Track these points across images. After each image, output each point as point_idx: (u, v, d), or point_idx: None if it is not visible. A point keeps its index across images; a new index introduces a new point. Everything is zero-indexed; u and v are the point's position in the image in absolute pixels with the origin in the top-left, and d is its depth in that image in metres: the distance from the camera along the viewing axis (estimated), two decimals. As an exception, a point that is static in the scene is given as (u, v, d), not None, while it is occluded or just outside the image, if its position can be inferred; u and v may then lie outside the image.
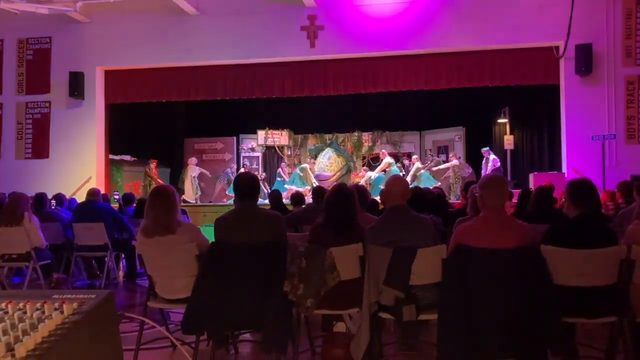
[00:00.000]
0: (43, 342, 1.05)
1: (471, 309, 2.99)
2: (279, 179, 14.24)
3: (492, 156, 12.22)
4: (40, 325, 1.09)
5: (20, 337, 1.07)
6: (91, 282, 7.15)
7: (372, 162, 14.88)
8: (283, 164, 14.82)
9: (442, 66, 11.36)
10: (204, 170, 14.13)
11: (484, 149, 12.43)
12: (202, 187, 14.10)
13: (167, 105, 13.24)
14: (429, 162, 13.81)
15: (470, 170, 12.84)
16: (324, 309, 3.45)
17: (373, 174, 13.57)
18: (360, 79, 11.73)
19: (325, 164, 15.08)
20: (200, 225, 5.25)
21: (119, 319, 1.29)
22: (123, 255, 7.55)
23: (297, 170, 14.11)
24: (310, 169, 14.24)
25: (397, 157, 14.34)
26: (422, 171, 13.02)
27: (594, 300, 3.10)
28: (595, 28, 10.42)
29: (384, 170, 13.21)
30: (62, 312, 1.15)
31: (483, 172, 11.93)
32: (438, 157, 14.07)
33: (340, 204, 3.58)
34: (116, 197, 11.65)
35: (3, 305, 1.20)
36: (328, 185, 12.40)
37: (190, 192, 13.57)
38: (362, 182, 12.97)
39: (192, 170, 13.79)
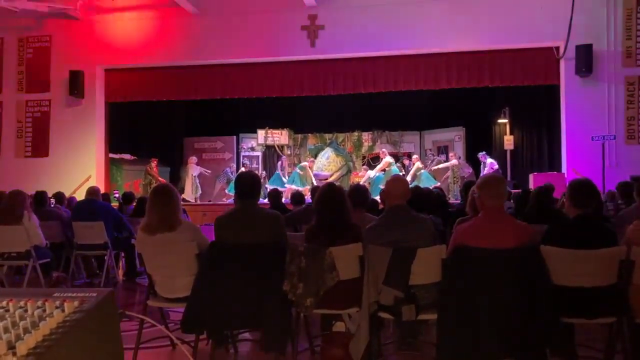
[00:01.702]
0: (44, 341, 1.05)
1: (470, 309, 2.99)
2: (278, 171, 14.17)
3: (489, 160, 12.21)
4: (42, 324, 1.09)
5: (22, 335, 1.07)
6: (90, 280, 7.15)
7: (372, 161, 14.87)
8: (284, 157, 14.76)
9: (443, 66, 11.37)
10: (204, 170, 14.12)
11: (480, 154, 12.40)
12: (201, 185, 14.07)
13: (167, 104, 13.22)
14: (430, 161, 13.79)
15: (470, 170, 12.79)
16: (323, 309, 3.45)
17: (372, 173, 13.55)
18: (360, 78, 11.73)
19: (324, 164, 15.06)
20: (200, 225, 5.25)
21: (120, 318, 1.29)
22: (122, 254, 7.55)
23: (297, 170, 14.09)
24: (309, 166, 14.21)
25: (397, 157, 14.34)
26: (423, 171, 13.00)
27: (593, 301, 3.10)
28: (596, 29, 10.43)
29: (384, 170, 13.19)
30: (63, 311, 1.15)
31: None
32: (438, 156, 14.03)
33: (329, 204, 3.58)
34: (116, 195, 11.64)
35: (4, 303, 1.20)
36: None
37: (190, 191, 13.55)
38: (362, 182, 12.97)
39: (193, 170, 13.76)
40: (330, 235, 3.47)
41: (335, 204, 3.56)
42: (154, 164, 13.29)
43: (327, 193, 3.65)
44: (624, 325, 3.11)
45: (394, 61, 11.52)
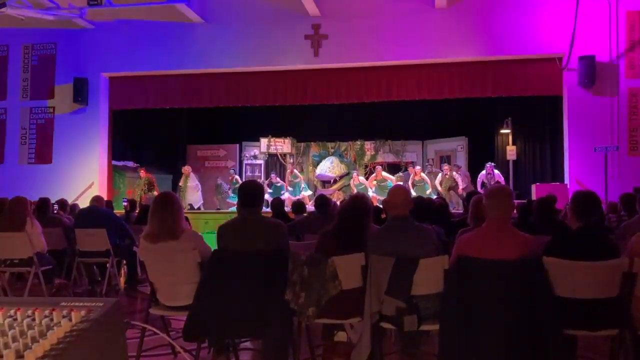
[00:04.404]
0: (52, 350, 1.06)
1: (472, 320, 2.99)
2: (278, 184, 14.09)
3: (497, 171, 12.10)
4: (49, 333, 1.10)
5: (30, 345, 1.08)
6: (92, 288, 7.14)
7: (374, 170, 14.87)
8: (273, 175, 14.54)
9: (445, 76, 11.40)
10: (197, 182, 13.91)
11: (488, 165, 12.17)
12: (203, 194, 13.99)
13: (171, 112, 13.26)
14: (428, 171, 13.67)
15: (463, 184, 12.47)
16: (325, 318, 3.45)
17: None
18: (364, 88, 11.77)
19: (327, 167, 15.02)
20: (202, 233, 5.25)
21: (125, 327, 1.30)
22: (124, 262, 7.53)
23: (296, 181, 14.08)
24: (291, 171, 14.19)
25: (399, 167, 14.37)
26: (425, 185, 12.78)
27: (596, 313, 3.09)
28: (599, 40, 10.47)
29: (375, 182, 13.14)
30: (70, 320, 1.16)
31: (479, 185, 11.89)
32: (440, 167, 13.94)
33: (353, 213, 3.61)
34: (124, 203, 11.62)
35: (12, 312, 1.21)
36: (329, 194, 12.40)
37: (196, 199, 13.45)
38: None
39: (192, 179, 13.64)
40: (346, 243, 3.48)
41: (359, 218, 3.61)
42: (142, 171, 13.05)
43: (353, 205, 3.69)
44: (626, 338, 3.10)
45: (396, 71, 11.56)
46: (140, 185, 12.78)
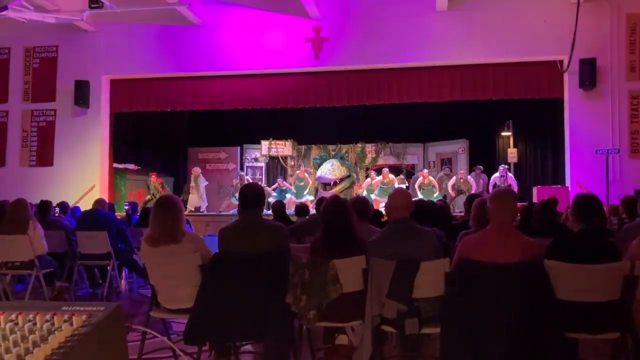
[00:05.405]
0: (53, 354, 1.06)
1: (473, 323, 2.99)
2: (283, 188, 14.09)
3: (510, 174, 12.05)
4: (50, 337, 1.10)
5: (31, 349, 1.08)
6: (93, 290, 7.15)
7: (377, 173, 14.87)
8: (280, 179, 14.55)
9: (447, 79, 11.39)
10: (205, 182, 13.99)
11: (502, 167, 12.09)
12: (207, 197, 14.00)
13: (172, 115, 13.27)
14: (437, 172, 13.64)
15: (476, 189, 12.47)
16: (326, 321, 3.45)
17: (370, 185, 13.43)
18: (364, 90, 11.76)
19: (328, 169, 15.02)
20: (203, 235, 5.25)
21: (127, 331, 1.30)
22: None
23: (297, 182, 14.06)
24: (302, 174, 14.17)
25: (400, 169, 14.37)
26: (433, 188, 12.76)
27: (597, 316, 3.09)
28: (599, 43, 10.45)
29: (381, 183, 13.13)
30: (71, 324, 1.17)
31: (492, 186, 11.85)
32: (443, 170, 13.95)
33: (334, 216, 3.61)
34: (126, 206, 11.63)
35: (13, 316, 1.22)
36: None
37: (203, 201, 13.46)
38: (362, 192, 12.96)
39: (202, 180, 13.63)
40: (335, 249, 3.48)
41: (340, 217, 3.59)
42: (153, 176, 13.22)
43: (332, 206, 3.68)
44: (627, 341, 3.10)
45: (397, 73, 11.56)
46: (156, 187, 12.92)
